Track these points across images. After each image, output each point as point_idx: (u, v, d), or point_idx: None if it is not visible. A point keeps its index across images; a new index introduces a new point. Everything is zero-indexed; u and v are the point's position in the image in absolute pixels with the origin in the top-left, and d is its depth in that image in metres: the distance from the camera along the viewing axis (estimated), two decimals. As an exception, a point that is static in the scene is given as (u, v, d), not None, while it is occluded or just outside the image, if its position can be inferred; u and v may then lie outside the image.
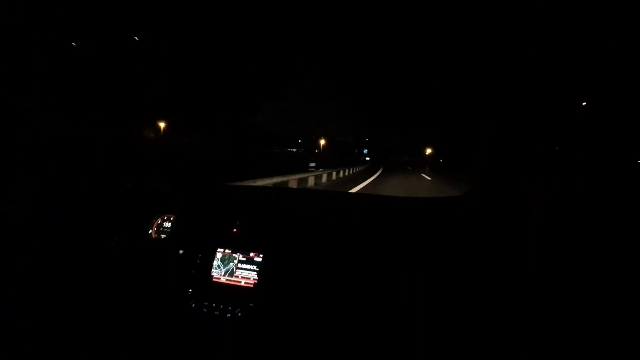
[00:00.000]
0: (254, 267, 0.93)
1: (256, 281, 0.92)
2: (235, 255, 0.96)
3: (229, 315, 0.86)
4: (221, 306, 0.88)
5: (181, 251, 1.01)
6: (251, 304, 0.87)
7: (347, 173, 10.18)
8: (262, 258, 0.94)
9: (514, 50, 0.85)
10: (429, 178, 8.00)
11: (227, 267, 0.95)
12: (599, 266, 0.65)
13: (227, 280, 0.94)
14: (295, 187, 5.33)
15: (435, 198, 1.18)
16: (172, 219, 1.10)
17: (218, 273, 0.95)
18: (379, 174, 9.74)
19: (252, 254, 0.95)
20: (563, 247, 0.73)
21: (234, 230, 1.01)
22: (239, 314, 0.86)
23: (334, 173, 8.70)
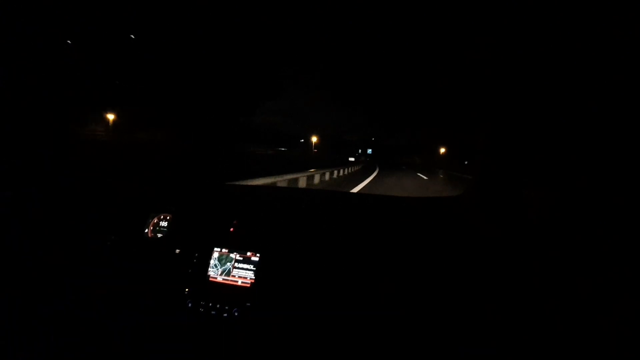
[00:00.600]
0: (251, 267, 0.97)
1: (253, 280, 0.96)
2: (232, 255, 1.00)
3: (225, 315, 0.90)
4: (218, 306, 0.92)
5: (178, 250, 1.05)
6: (248, 304, 0.91)
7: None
8: (259, 257, 0.98)
9: (524, 42, 0.86)
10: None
11: (224, 267, 0.99)
12: (597, 266, 0.67)
13: (224, 279, 0.98)
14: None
15: (434, 198, 1.22)
16: (168, 218, 1.14)
17: (215, 272, 0.99)
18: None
19: (249, 254, 0.99)
20: (561, 247, 0.75)
21: (231, 229, 1.05)
22: (236, 314, 0.90)
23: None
